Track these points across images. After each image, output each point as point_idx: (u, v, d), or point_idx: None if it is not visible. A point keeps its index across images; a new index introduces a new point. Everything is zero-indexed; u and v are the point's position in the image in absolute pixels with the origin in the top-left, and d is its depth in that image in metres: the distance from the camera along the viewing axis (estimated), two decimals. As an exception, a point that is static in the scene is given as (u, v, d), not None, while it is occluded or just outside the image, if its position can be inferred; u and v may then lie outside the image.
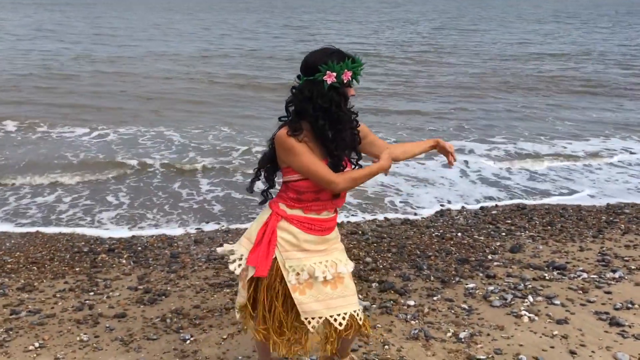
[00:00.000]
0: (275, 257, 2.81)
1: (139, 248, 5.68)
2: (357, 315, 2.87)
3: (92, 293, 4.61)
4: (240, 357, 3.68)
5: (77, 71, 17.55)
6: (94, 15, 43.84)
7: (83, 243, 5.82)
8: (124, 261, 5.33)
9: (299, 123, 2.68)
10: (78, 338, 3.89)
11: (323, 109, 2.65)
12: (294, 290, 2.79)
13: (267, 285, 2.84)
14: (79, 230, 6.23)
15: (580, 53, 24.59)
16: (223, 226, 6.45)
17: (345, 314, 2.82)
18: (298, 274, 2.78)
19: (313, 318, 2.79)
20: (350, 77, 2.66)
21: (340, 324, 2.81)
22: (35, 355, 3.67)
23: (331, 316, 2.80)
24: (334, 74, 2.63)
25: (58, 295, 4.56)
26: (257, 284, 2.90)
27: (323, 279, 2.79)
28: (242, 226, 6.41)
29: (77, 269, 5.11)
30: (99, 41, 25.86)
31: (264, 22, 40.55)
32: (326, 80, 2.62)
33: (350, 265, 2.93)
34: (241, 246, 2.90)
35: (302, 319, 2.80)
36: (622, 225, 6.35)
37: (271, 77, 17.19)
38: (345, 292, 2.84)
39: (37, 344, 3.79)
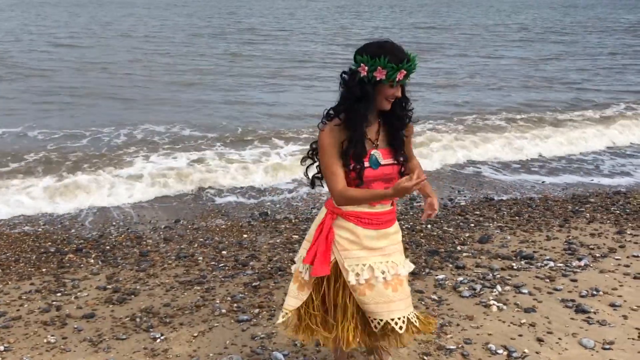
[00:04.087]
0: (335, 258, 2.79)
1: (108, 247, 5.60)
2: (413, 318, 2.85)
3: (59, 294, 4.54)
4: (211, 355, 3.65)
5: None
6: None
7: (50, 243, 5.72)
8: (92, 261, 5.25)
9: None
10: (45, 340, 3.82)
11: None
12: (354, 291, 2.77)
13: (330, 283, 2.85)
14: (44, 230, 6.13)
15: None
16: (193, 224, 6.40)
17: (405, 317, 2.80)
18: (358, 274, 2.76)
19: (375, 319, 2.78)
20: (384, 76, 2.59)
21: (400, 328, 2.78)
22: (0, 358, 3.60)
23: (392, 319, 2.77)
24: (366, 67, 2.60)
25: (24, 297, 4.47)
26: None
27: (383, 280, 2.76)
28: (212, 224, 6.37)
29: (43, 270, 5.02)
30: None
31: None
32: (360, 72, 2.61)
33: (409, 267, 2.92)
34: (302, 248, 2.90)
35: (369, 319, 2.80)
36: (588, 214, 6.48)
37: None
38: (403, 296, 2.81)
39: (2, 348, 3.71)
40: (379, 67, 2.56)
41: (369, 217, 2.78)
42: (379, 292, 2.76)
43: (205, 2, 61.40)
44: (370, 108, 2.66)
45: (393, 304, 2.77)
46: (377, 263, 2.78)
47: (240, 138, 9.90)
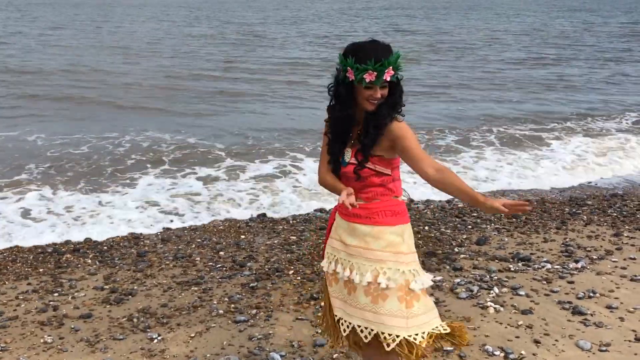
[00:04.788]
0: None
1: (105, 247, 5.60)
2: (362, 332, 2.62)
3: (56, 294, 4.53)
4: (208, 355, 3.65)
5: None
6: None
7: (47, 244, 5.71)
8: (90, 261, 5.25)
9: None
10: (42, 340, 3.82)
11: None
12: (326, 279, 2.79)
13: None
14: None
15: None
16: (190, 224, 6.39)
17: (349, 325, 2.66)
18: (330, 262, 2.74)
19: (341, 317, 2.70)
20: (353, 77, 2.46)
21: (365, 337, 2.61)
22: (-3, 358, 3.60)
23: (345, 320, 2.68)
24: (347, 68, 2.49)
25: (21, 297, 4.47)
26: None
27: (342, 277, 2.67)
28: (210, 225, 6.37)
29: (40, 270, 5.02)
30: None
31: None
32: (339, 72, 2.55)
33: (366, 279, 2.58)
34: None
35: (334, 314, 2.75)
36: (585, 217, 6.49)
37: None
38: (352, 303, 2.64)
39: (-1, 347, 3.71)
40: (348, 68, 2.47)
41: (340, 205, 2.72)
42: (339, 288, 2.70)
43: (200, 3, 61.48)
44: (345, 110, 2.56)
45: (350, 307, 2.66)
46: (342, 259, 2.68)
47: (249, 151, 9.38)
